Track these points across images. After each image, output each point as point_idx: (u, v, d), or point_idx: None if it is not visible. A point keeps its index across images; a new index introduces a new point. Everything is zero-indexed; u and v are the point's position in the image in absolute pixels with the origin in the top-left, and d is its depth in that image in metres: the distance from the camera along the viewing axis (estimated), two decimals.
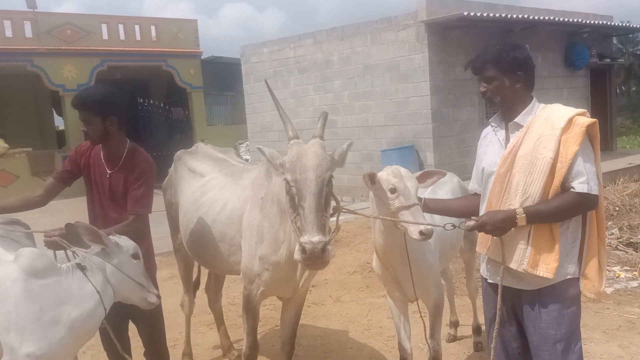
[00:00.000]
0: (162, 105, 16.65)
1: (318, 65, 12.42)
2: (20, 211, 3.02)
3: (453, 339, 4.30)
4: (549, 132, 2.15)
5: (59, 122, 19.59)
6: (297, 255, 2.29)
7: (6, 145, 14.29)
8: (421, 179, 2.70)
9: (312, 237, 2.25)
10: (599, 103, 13.87)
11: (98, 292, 2.40)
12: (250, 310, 3.15)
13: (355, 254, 7.11)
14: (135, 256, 2.57)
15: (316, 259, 2.25)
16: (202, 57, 17.66)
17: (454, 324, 4.35)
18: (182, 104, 17.39)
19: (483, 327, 4.23)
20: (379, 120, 11.30)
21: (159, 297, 2.67)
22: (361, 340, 4.50)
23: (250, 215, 3.09)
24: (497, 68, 2.29)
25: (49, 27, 14.59)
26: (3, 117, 16.91)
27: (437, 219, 2.66)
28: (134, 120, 15.45)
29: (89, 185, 3.07)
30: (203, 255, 3.47)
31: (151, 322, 3.10)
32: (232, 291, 5.67)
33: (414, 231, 2.44)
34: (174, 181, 3.89)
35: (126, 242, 2.58)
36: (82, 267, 2.42)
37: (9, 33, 14.15)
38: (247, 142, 15.76)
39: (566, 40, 12.65)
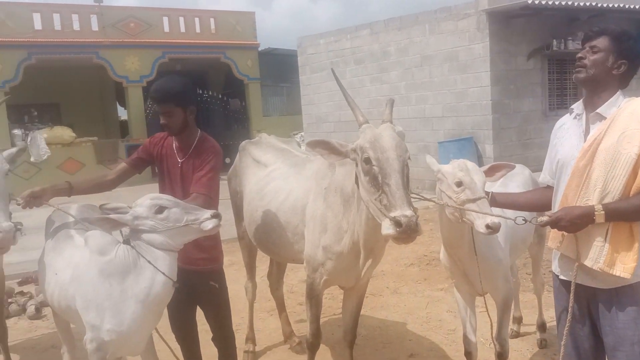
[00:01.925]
0: (220, 96, 16.99)
1: (375, 56, 12.34)
2: (91, 193, 3.14)
3: (516, 335, 4.21)
4: (635, 126, 2.05)
5: (121, 113, 20.36)
6: (389, 230, 2.28)
7: (73, 135, 14.96)
8: (489, 172, 2.65)
9: (404, 211, 2.26)
10: None
11: (148, 260, 2.44)
12: (314, 298, 3.20)
13: (412, 246, 7.04)
14: (158, 210, 2.43)
15: (412, 232, 2.25)
16: (259, 49, 17.88)
17: (518, 320, 4.26)
18: (239, 95, 17.69)
19: (548, 324, 4.15)
20: (437, 112, 11.12)
21: (216, 215, 2.46)
22: (420, 332, 4.49)
23: (314, 205, 3.13)
24: (610, 43, 2.19)
25: (114, 20, 15.14)
26: (70, 108, 17.77)
27: (509, 213, 2.60)
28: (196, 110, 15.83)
29: (161, 175, 3.18)
30: (266, 243, 3.54)
31: (217, 307, 3.20)
32: (290, 279, 5.75)
33: (480, 225, 2.41)
34: (238, 171, 3.98)
35: (141, 208, 2.46)
36: (127, 242, 2.49)
37: (76, 26, 14.77)
38: (302, 133, 15.87)
39: (636, 28, 12.00)
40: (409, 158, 2.52)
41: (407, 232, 2.25)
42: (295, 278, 5.92)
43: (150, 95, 2.96)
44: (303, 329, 4.66)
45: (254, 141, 4.09)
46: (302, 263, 3.34)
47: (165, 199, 2.47)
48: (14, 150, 3.04)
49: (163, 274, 2.44)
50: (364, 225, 2.78)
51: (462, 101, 10.63)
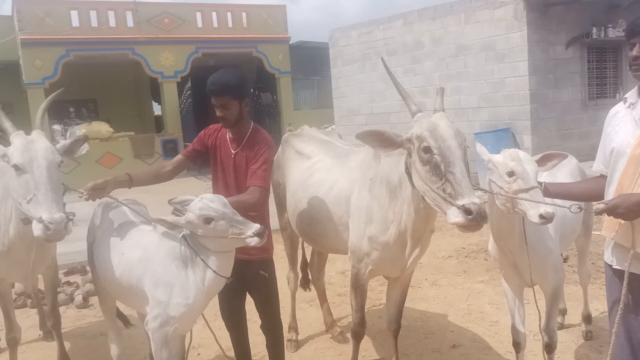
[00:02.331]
0: (251, 90, 17.11)
1: (408, 47, 12.24)
2: (150, 184, 3.23)
3: (560, 327, 4.16)
4: None
5: (155, 108, 20.71)
6: (458, 218, 2.27)
7: (111, 130, 15.28)
8: (542, 162, 2.62)
9: (472, 199, 2.26)
10: None
11: (202, 259, 2.57)
12: (359, 288, 3.22)
13: (449, 239, 7.02)
14: (206, 221, 2.47)
15: (482, 219, 2.24)
16: (290, 42, 17.92)
17: (562, 312, 4.21)
18: (271, 89, 17.78)
19: (593, 316, 4.09)
20: (472, 102, 10.98)
21: (260, 234, 2.46)
22: (462, 324, 4.47)
23: (359, 195, 3.14)
24: None
25: (148, 17, 15.36)
26: (107, 103, 18.16)
27: (559, 203, 2.57)
28: None
29: (214, 166, 3.23)
30: (310, 233, 3.57)
31: (267, 296, 3.25)
32: (329, 271, 5.77)
33: (533, 215, 2.38)
34: (281, 162, 4.02)
35: (192, 214, 2.51)
36: (184, 239, 2.61)
37: (112, 23, 15.04)
38: (333, 126, 15.88)
39: None
40: (468, 146, 2.51)
41: (477, 219, 2.25)
42: (332, 270, 5.96)
43: (208, 88, 2.98)
44: (343, 320, 4.70)
45: (296, 133, 4.12)
46: (346, 254, 3.37)
47: (214, 209, 2.47)
48: (67, 142, 3.12)
49: (214, 272, 2.57)
50: (413, 215, 2.78)
51: (499, 91, 10.47)
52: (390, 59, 12.70)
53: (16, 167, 2.74)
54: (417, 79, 12.06)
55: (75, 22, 14.55)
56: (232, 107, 2.99)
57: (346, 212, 3.24)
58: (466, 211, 2.24)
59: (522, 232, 2.69)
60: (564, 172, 3.40)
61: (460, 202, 2.27)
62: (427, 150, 2.43)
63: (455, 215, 2.28)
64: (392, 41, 12.63)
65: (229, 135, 3.15)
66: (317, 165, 3.61)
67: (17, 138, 2.85)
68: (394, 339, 3.46)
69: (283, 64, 17.43)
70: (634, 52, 2.18)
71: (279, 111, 17.59)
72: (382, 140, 2.66)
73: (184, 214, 2.55)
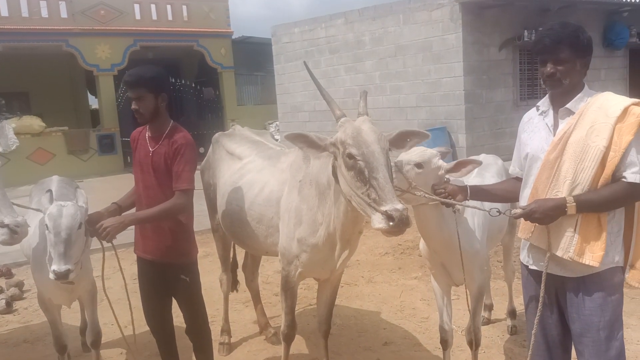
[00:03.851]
0: (193, 85, 16.79)
1: (349, 46, 12.34)
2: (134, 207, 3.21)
3: (487, 322, 4.31)
4: (603, 120, 2.11)
5: (92, 102, 19.98)
6: (380, 224, 2.28)
7: (43, 124, 14.62)
8: (456, 168, 2.69)
9: (395, 205, 2.27)
10: (638, 84, 13.46)
11: None
12: (289, 290, 3.22)
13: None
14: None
15: (403, 225, 2.26)
16: (233, 37, 17.70)
17: (488, 307, 4.36)
18: (213, 83, 17.50)
19: (518, 311, 4.26)
20: (411, 101, 11.20)
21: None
22: (394, 321, 4.55)
23: (289, 197, 3.14)
24: (573, 49, 2.20)
25: (84, 7, 14.78)
26: (39, 97, 17.34)
27: (486, 205, 2.65)
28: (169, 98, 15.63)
29: (134, 167, 3.17)
30: (241, 236, 3.53)
31: (190, 301, 3.19)
32: (266, 270, 5.77)
33: (375, 220, 2.35)
34: (212, 163, 3.96)
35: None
36: None
37: (44, 13, 14.39)
38: (277, 122, 15.82)
39: (605, 19, 12.25)
40: (390, 149, 2.53)
41: (399, 225, 2.27)
42: (270, 269, 5.94)
43: (124, 80, 2.94)
44: (278, 320, 4.69)
45: (227, 133, 4.07)
46: (277, 256, 3.36)
47: None
48: None
49: None
50: (341, 217, 2.80)
51: (435, 91, 10.72)
52: (333, 57, 12.78)
53: None
54: (359, 78, 12.19)
55: (4, 12, 13.84)
56: (147, 100, 2.94)
57: (276, 214, 3.22)
58: (388, 217, 2.27)
59: (448, 233, 2.76)
60: (492, 172, 3.53)
61: (383, 208, 2.29)
62: (351, 156, 2.45)
63: (378, 222, 2.31)
64: (334, 39, 12.70)
65: (147, 134, 3.09)
66: (248, 167, 3.58)
67: None
68: (324, 340, 3.49)
69: (225, 59, 17.21)
70: (549, 69, 2.23)
71: (221, 106, 17.35)
72: (307, 144, 2.67)
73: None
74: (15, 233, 2.72)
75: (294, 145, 2.73)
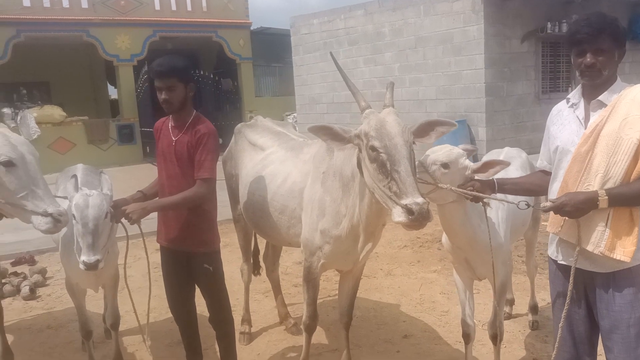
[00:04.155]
0: (211, 76, 16.85)
1: (369, 37, 12.25)
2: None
3: (508, 316, 4.27)
4: (636, 112, 2.06)
5: (111, 92, 20.15)
6: (400, 218, 2.28)
7: (64, 114, 14.78)
8: (482, 169, 2.66)
9: (416, 199, 2.26)
10: None
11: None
12: (311, 281, 3.22)
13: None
14: None
15: (423, 219, 2.25)
16: (251, 28, 17.69)
17: (510, 302, 4.32)
18: (231, 75, 17.54)
19: (539, 306, 4.22)
20: (430, 94, 11.10)
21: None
22: (414, 314, 4.54)
23: (312, 189, 3.13)
24: (613, 39, 2.15)
25: None
26: (60, 87, 17.55)
27: (510, 198, 2.62)
28: None
29: (157, 157, 3.20)
30: (263, 226, 3.54)
31: (213, 290, 3.21)
32: (285, 261, 5.78)
33: (396, 213, 2.35)
34: (234, 153, 3.96)
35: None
36: None
37: (66, 4, 14.51)
38: (295, 114, 15.80)
39: (630, 11, 11.99)
40: (414, 142, 2.51)
41: (419, 219, 2.26)
42: (289, 260, 5.96)
43: (154, 70, 2.93)
44: (298, 311, 4.71)
45: (249, 124, 4.07)
46: (299, 247, 3.36)
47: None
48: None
49: None
50: (366, 210, 2.79)
51: (455, 84, 10.61)
52: (351, 48, 12.70)
53: (8, 164, 2.75)
54: (378, 70, 12.11)
55: (26, 2, 13.97)
56: (177, 89, 2.96)
57: (299, 205, 3.22)
58: (408, 211, 2.25)
59: (472, 230, 2.74)
60: (515, 166, 3.49)
61: (403, 202, 2.28)
62: (374, 148, 2.44)
63: (398, 215, 2.30)
64: (353, 31, 12.61)
65: (170, 123, 3.11)
66: (270, 157, 3.58)
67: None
68: (346, 331, 3.49)
69: (244, 50, 17.21)
70: (589, 60, 2.17)
71: (239, 98, 17.39)
72: (331, 136, 2.66)
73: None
74: (59, 222, 2.73)
75: (317, 137, 2.72)
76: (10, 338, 4.19)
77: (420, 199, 2.28)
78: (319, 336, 4.11)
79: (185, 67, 3.01)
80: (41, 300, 5.34)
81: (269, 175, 3.46)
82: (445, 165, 2.59)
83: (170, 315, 4.38)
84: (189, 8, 16.16)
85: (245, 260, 4.23)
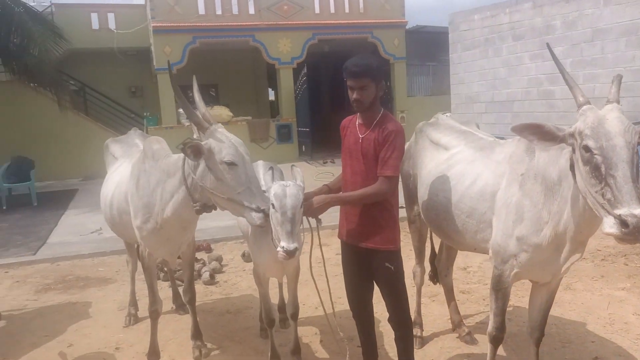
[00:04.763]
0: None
1: (536, 31, 11.43)
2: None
3: None
4: None
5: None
6: (612, 229, 2.06)
7: (230, 114, 15.90)
8: None
9: (633, 209, 2.02)
10: None
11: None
12: (501, 291, 3.02)
13: None
14: None
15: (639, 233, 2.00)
16: (406, 27, 17.53)
17: None
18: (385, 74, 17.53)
19: None
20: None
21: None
22: (603, 334, 4.10)
23: (508, 192, 2.93)
24: None
25: (269, 4, 15.73)
26: (226, 89, 18.96)
27: None
28: (340, 91, 16.07)
29: (342, 154, 3.23)
30: (447, 229, 3.40)
31: (392, 290, 3.15)
32: None
33: (607, 223, 2.10)
34: (413, 153, 3.88)
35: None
36: None
37: (235, 10, 15.59)
38: (449, 113, 15.31)
39: None
40: None
41: (634, 233, 2.00)
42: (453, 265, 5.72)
43: (349, 70, 2.95)
44: (468, 319, 4.50)
45: (431, 122, 3.95)
46: (485, 252, 3.18)
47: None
48: None
49: None
50: (577, 217, 2.53)
51: None
52: (516, 44, 11.97)
53: (231, 163, 3.00)
54: (546, 65, 11.24)
55: (201, 10, 15.25)
56: (369, 89, 2.97)
57: (490, 209, 3.04)
58: (622, 223, 2.00)
59: None
60: None
61: (617, 212, 2.03)
62: (587, 149, 2.20)
63: (610, 226, 2.06)
64: (518, 25, 11.87)
65: (358, 121, 3.12)
66: (456, 157, 3.43)
67: (223, 134, 3.13)
68: (536, 347, 3.23)
69: (398, 50, 17.12)
70: None
71: (391, 97, 17.33)
72: (541, 134, 2.45)
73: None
74: (270, 217, 2.93)
75: (522, 137, 2.53)
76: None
77: (637, 210, 2.00)
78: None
79: (378, 67, 3.02)
80: (219, 286, 5.75)
81: (456, 176, 3.31)
82: None
83: (339, 309, 4.47)
84: (347, 10, 16.46)
85: (419, 262, 4.13)
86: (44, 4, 15.16)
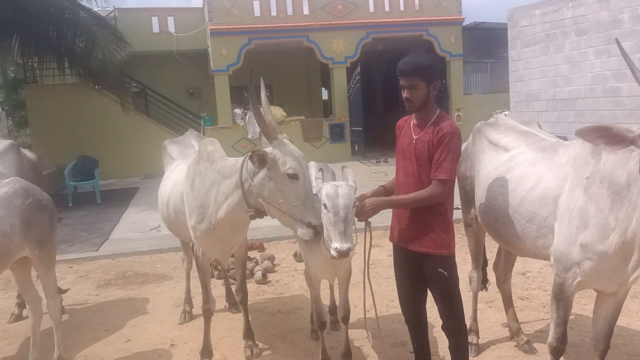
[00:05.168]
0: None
1: (602, 26, 10.90)
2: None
3: None
4: None
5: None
6: None
7: (284, 114, 16.05)
8: None
9: None
10: None
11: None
12: (562, 300, 2.87)
13: None
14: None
15: None
16: (463, 23, 17.15)
17: None
18: (440, 72, 17.22)
19: None
20: None
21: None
22: None
23: (571, 196, 2.78)
24: None
25: (323, 4, 15.77)
26: (280, 89, 19.13)
27: None
28: (394, 90, 15.90)
29: (397, 155, 3.17)
30: (505, 234, 3.27)
31: (446, 296, 3.06)
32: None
33: None
34: (470, 154, 3.76)
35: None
36: None
37: (290, 11, 15.72)
38: (507, 112, 14.86)
39: None
40: None
41: None
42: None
43: (399, 68, 2.92)
44: (526, 326, 4.32)
45: (489, 123, 3.82)
46: (545, 259, 3.04)
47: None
48: None
49: None
50: None
51: None
52: (580, 39, 11.46)
53: (293, 176, 3.08)
54: (611, 62, 10.71)
55: (257, 12, 15.47)
56: (420, 88, 2.90)
57: (552, 214, 2.89)
58: None
59: None
60: None
61: None
62: None
63: None
64: (582, 19, 11.36)
65: (413, 122, 3.06)
66: (517, 159, 3.29)
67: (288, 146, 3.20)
68: None
69: (454, 47, 16.77)
70: None
71: (447, 96, 17.00)
72: (609, 137, 2.32)
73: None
74: (319, 233, 3.00)
75: (587, 141, 2.39)
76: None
77: None
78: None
79: (429, 66, 2.93)
80: (271, 285, 5.78)
81: (516, 179, 3.18)
82: None
83: (391, 313, 4.38)
84: (402, 8, 16.27)
85: (475, 267, 4.00)
86: (108, 8, 15.78)
